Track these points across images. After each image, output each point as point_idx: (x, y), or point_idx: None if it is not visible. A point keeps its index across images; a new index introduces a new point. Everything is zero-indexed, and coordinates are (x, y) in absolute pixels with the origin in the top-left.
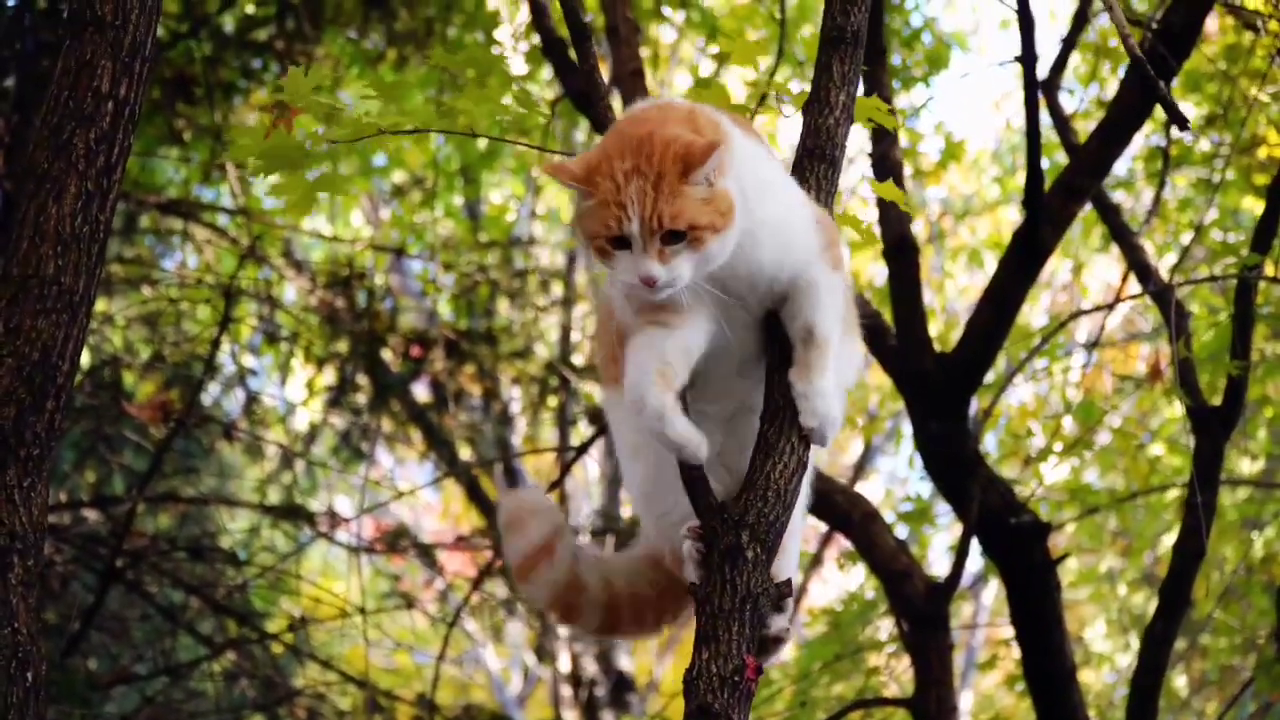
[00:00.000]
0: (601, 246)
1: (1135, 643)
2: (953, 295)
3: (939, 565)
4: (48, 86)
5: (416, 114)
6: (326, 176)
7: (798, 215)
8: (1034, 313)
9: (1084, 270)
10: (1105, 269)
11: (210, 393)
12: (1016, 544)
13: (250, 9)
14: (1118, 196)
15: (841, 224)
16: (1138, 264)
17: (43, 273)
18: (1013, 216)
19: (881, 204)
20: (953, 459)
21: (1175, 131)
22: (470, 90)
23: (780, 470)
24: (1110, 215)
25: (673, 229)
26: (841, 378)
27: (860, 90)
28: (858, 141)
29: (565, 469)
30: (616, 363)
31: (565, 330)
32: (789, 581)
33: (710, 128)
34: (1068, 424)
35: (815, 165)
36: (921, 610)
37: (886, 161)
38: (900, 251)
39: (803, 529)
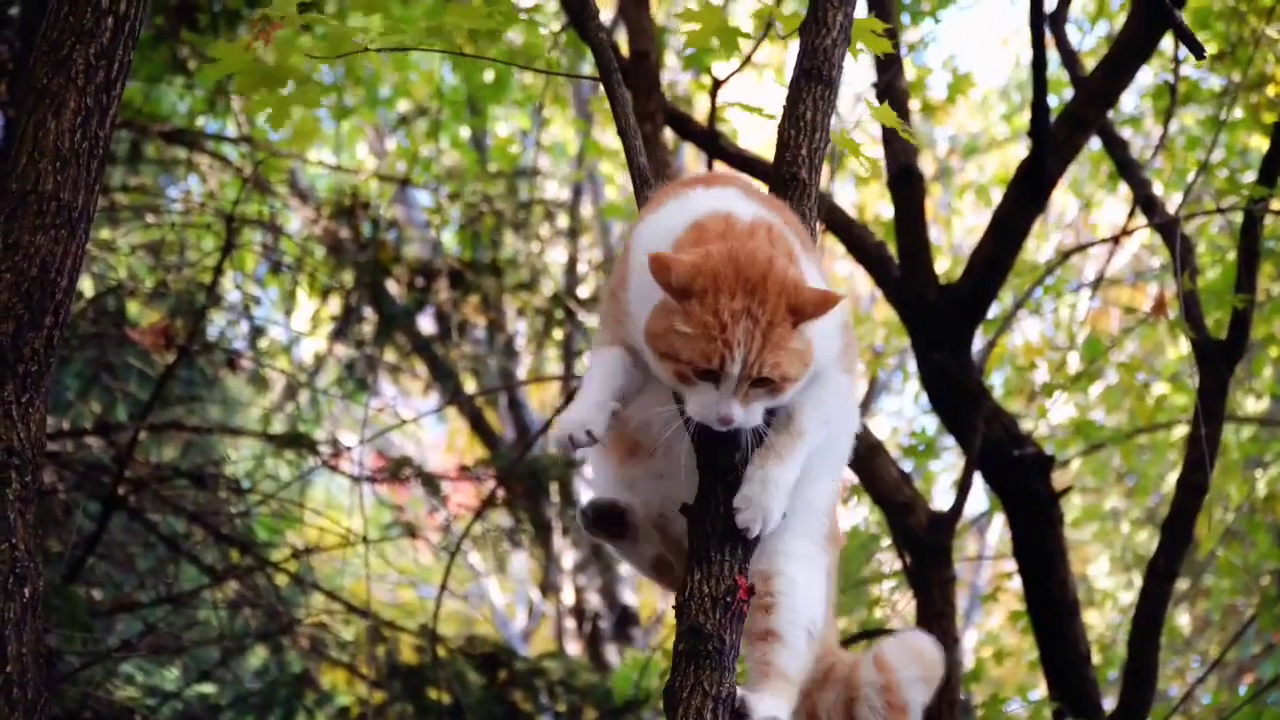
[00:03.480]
0: (685, 373)
1: (1138, 581)
2: (960, 234)
3: (943, 501)
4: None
5: (410, 31)
6: (303, 89)
7: (829, 323)
8: (1041, 251)
9: (1091, 208)
10: (1113, 210)
11: (215, 324)
12: (1020, 476)
13: None
14: (1125, 134)
15: (842, 147)
16: (1144, 197)
17: (41, 188)
18: (1020, 154)
19: (887, 134)
20: (957, 390)
21: (1183, 69)
22: (459, 8)
23: None
24: (1117, 148)
25: (767, 376)
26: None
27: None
28: (863, 73)
29: (569, 399)
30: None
31: (571, 262)
32: None
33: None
34: (1073, 361)
35: (811, 86)
36: (924, 542)
37: (892, 91)
38: (905, 181)
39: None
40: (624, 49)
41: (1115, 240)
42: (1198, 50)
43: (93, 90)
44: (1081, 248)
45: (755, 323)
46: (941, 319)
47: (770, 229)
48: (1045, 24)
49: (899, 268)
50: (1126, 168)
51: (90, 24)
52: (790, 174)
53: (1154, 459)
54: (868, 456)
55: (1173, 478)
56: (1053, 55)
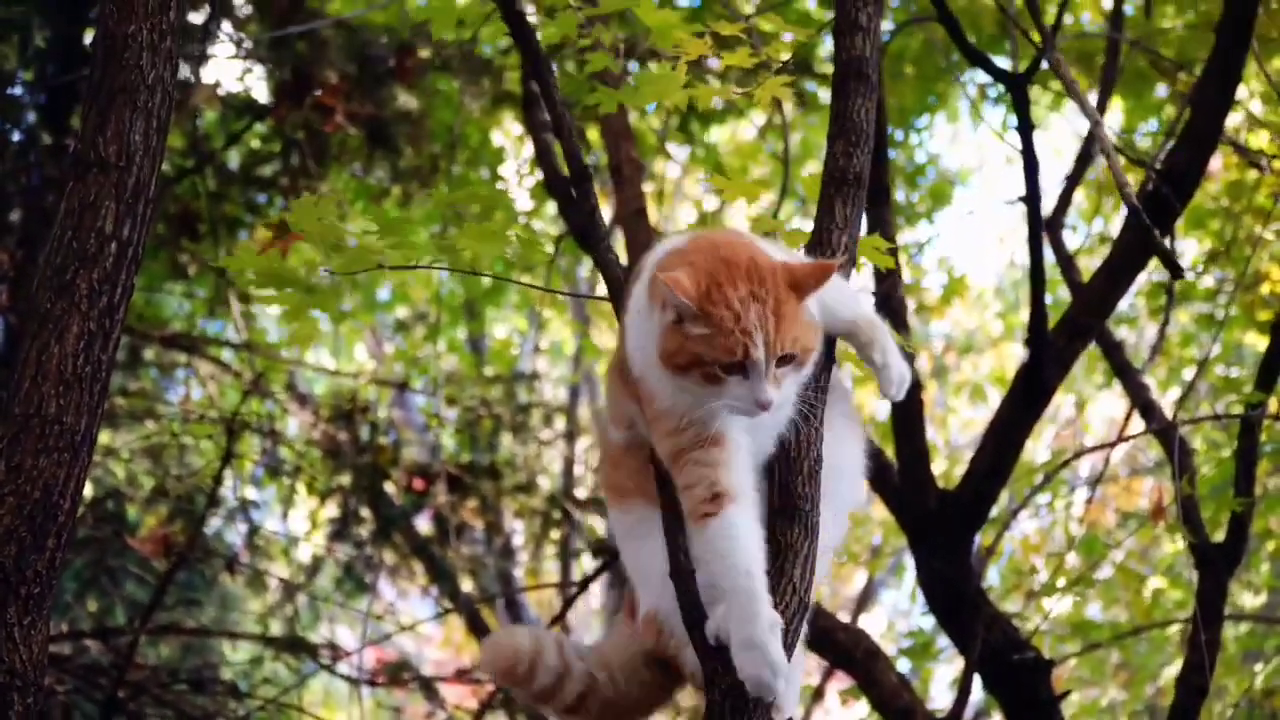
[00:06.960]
0: (713, 373)
1: None
2: (956, 430)
3: (942, 699)
4: (53, 220)
5: (419, 249)
6: (320, 295)
7: None
8: (1037, 448)
9: (1087, 406)
10: (1109, 404)
11: (213, 525)
12: (1019, 681)
13: (255, 145)
14: (1121, 332)
15: (845, 361)
16: (1141, 401)
17: (44, 412)
18: (1016, 352)
19: None
20: (955, 596)
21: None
22: (472, 226)
23: (782, 606)
24: (1113, 353)
25: (790, 352)
26: None
27: (863, 229)
28: (861, 281)
29: (568, 604)
30: (623, 493)
31: (568, 464)
32: None
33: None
34: (1070, 559)
35: None
36: None
37: (889, 302)
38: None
39: (803, 664)
40: (623, 258)
41: (1113, 445)
42: (1176, 271)
43: (95, 315)
44: (1078, 455)
45: (764, 304)
46: (941, 527)
47: (725, 233)
48: (1043, 232)
49: (898, 475)
50: (1124, 373)
51: (94, 249)
52: None
53: (1151, 653)
54: (866, 662)
55: (1170, 670)
56: (1048, 254)
